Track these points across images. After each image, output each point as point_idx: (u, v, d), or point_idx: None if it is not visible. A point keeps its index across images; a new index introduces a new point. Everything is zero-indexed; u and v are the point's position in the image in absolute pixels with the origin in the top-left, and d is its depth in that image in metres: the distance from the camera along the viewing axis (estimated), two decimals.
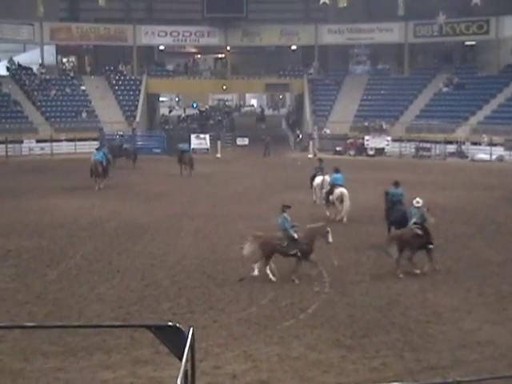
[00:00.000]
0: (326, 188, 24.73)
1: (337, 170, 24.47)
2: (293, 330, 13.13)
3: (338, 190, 23.53)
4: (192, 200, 28.49)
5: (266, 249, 16.51)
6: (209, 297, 15.26)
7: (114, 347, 12.23)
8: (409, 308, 14.43)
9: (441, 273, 17.01)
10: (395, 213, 19.73)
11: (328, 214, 24.10)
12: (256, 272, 16.54)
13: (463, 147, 44.65)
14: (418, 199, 17.87)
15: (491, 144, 43.31)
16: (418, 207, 17.67)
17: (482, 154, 43.52)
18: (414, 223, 17.46)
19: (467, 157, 43.99)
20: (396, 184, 20.71)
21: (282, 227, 16.79)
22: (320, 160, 28.14)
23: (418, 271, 16.99)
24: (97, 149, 32.15)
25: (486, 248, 19.81)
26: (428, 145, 45.25)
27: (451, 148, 45.01)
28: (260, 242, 16.57)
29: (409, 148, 46.03)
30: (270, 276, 16.35)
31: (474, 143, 44.32)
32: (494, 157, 42.96)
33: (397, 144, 46.29)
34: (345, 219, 23.42)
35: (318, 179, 25.93)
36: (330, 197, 24.02)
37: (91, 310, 14.32)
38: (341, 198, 23.49)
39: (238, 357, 11.91)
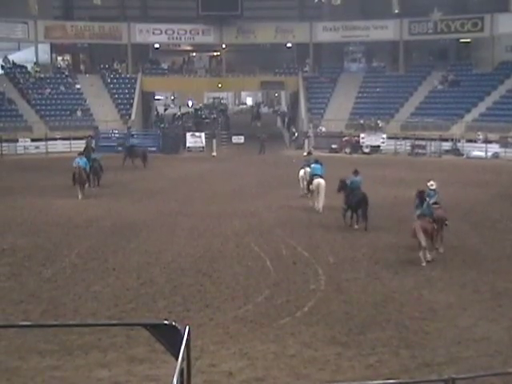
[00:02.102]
0: (307, 178, 26.20)
1: (316, 161, 25.90)
2: (288, 328, 13.13)
3: (316, 181, 24.61)
4: (187, 198, 28.48)
5: (429, 234, 17.24)
6: (204, 295, 15.25)
7: (110, 346, 12.21)
8: (404, 305, 14.45)
9: (436, 269, 17.07)
10: (355, 197, 21.51)
11: (311, 204, 25.14)
12: (428, 256, 17.38)
13: (458, 144, 44.70)
14: (431, 182, 19.16)
15: (486, 141, 43.33)
16: (433, 189, 18.82)
17: (478, 151, 43.56)
18: (434, 203, 18.39)
19: (462, 154, 44.02)
20: (355, 172, 22.44)
21: (428, 211, 17.55)
22: (308, 153, 30.25)
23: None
24: (79, 154, 30.83)
25: (482, 244, 19.85)
26: (423, 142, 45.23)
27: (446, 145, 45.04)
28: (424, 229, 17.11)
29: (404, 145, 46.03)
30: (423, 260, 17.16)
31: (470, 140, 44.34)
32: (489, 154, 43.01)
33: (392, 141, 46.27)
34: (320, 209, 24.55)
35: (302, 171, 27.43)
36: (310, 186, 25.30)
37: (87, 309, 14.29)
38: (318, 189, 24.50)
39: (234, 355, 11.91)
